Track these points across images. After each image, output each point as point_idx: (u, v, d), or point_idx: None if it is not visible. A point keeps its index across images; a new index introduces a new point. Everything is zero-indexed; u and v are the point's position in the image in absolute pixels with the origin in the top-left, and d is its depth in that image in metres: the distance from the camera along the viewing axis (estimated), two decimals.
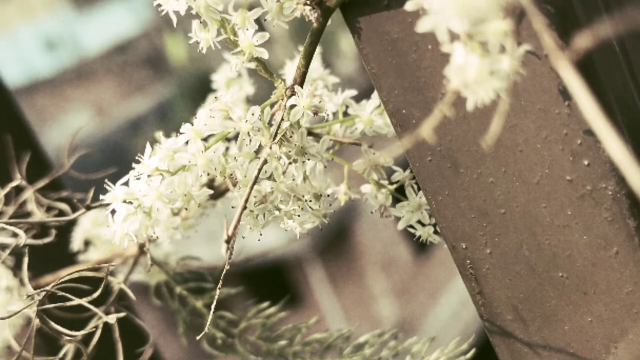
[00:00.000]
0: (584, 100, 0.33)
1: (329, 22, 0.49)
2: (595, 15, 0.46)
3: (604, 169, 0.46)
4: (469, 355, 0.61)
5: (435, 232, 0.57)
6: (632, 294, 0.49)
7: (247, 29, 0.50)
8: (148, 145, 0.53)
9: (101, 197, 0.55)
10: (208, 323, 0.57)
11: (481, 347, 0.71)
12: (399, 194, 0.58)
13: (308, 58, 0.51)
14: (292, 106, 0.51)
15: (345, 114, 0.60)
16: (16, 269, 0.89)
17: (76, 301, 0.72)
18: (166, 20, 0.52)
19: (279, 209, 0.53)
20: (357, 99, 0.60)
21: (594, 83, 0.43)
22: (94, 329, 0.77)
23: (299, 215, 0.54)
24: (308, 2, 0.47)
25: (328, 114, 0.55)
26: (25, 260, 0.82)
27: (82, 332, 0.71)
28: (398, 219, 0.58)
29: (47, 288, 0.72)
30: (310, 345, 0.68)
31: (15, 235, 0.86)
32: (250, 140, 0.51)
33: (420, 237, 0.58)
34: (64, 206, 0.86)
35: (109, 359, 0.85)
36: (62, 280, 0.71)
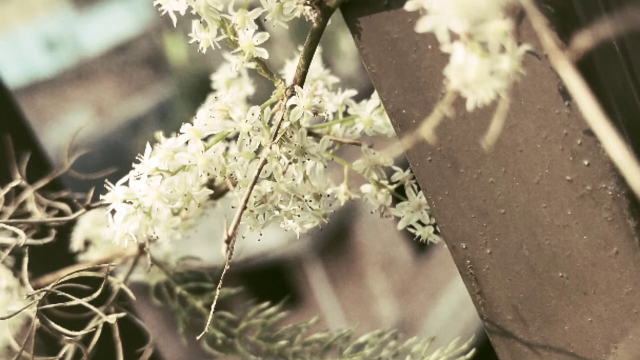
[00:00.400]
0: (584, 100, 0.33)
1: (329, 22, 0.49)
2: (595, 15, 0.46)
3: (604, 169, 0.46)
4: (469, 355, 0.61)
5: (435, 232, 0.57)
6: (632, 294, 0.49)
7: (247, 29, 0.50)
8: (148, 145, 0.53)
9: (101, 197, 0.55)
10: (208, 323, 0.57)
11: (481, 347, 0.71)
12: (399, 194, 0.58)
13: (308, 58, 0.51)
14: (292, 106, 0.51)
15: (345, 114, 0.60)
16: (16, 269, 0.89)
17: (76, 301, 0.72)
18: (166, 20, 0.52)
19: (279, 209, 0.53)
20: (357, 99, 0.60)
21: (594, 83, 0.43)
22: (94, 329, 0.77)
23: (299, 215, 0.54)
24: (308, 2, 0.47)
25: (328, 114, 0.55)
26: (25, 260, 0.82)
27: (82, 332, 0.71)
28: (398, 219, 0.58)
29: (47, 288, 0.72)
30: (310, 345, 0.68)
31: (15, 235, 0.86)
32: (250, 140, 0.51)
33: (420, 237, 0.58)
34: (64, 206, 0.86)
35: (109, 359, 0.86)
36: (62, 280, 0.71)
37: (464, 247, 0.53)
